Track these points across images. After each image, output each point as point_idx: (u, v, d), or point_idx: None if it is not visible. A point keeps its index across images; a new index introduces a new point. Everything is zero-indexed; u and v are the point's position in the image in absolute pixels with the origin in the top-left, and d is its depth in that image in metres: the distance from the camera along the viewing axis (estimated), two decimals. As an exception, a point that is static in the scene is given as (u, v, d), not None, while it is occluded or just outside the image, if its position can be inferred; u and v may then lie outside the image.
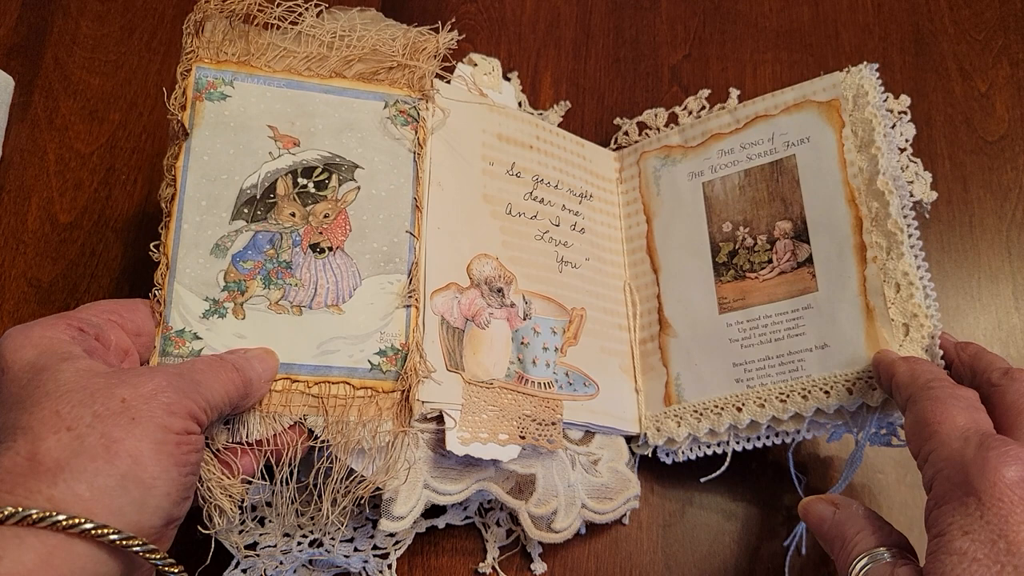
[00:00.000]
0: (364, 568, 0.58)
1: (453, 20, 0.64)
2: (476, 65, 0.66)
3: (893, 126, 0.61)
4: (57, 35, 0.76)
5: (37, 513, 0.37)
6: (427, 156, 0.58)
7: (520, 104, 0.74)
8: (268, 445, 0.50)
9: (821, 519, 0.52)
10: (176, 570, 0.42)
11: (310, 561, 0.57)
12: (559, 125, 0.73)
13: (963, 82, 0.76)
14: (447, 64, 0.61)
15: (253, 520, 0.56)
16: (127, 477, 0.40)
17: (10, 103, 0.72)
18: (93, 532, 0.38)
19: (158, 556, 0.41)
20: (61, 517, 0.38)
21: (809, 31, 0.78)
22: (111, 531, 0.39)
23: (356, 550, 0.57)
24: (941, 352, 0.55)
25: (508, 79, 0.75)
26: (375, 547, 0.58)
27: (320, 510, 0.51)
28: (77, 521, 0.38)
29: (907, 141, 0.62)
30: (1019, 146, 0.73)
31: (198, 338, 0.52)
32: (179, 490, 0.42)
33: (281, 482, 0.51)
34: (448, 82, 0.63)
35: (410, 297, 0.55)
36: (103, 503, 0.39)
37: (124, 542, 0.39)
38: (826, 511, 0.52)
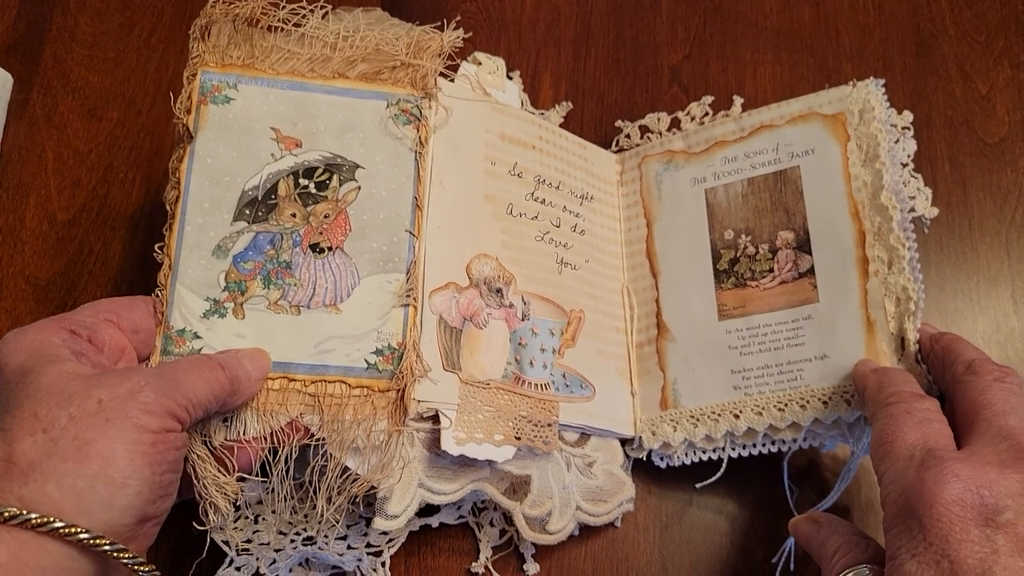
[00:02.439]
0: (358, 566, 0.58)
1: (458, 19, 0.64)
2: (480, 64, 0.66)
3: (896, 141, 0.61)
4: (56, 32, 0.76)
5: (9, 512, 0.39)
6: (429, 155, 0.58)
7: (522, 103, 0.74)
8: (265, 442, 0.51)
9: (807, 538, 0.53)
10: (147, 569, 0.43)
11: (305, 560, 0.57)
12: (559, 125, 0.73)
13: (964, 84, 0.75)
14: (451, 63, 0.61)
15: (248, 518, 0.56)
16: (97, 477, 0.41)
17: (8, 100, 0.72)
18: (62, 531, 0.39)
19: (128, 555, 0.41)
20: (33, 516, 0.39)
21: (810, 32, 0.78)
22: (80, 530, 0.40)
23: (349, 547, 0.57)
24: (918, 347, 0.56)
25: (511, 78, 0.75)
26: (368, 545, 0.58)
27: (315, 507, 0.51)
28: (47, 520, 0.39)
29: (908, 156, 0.62)
30: (1019, 148, 0.73)
31: (198, 337, 0.52)
32: (153, 489, 0.43)
33: (277, 478, 0.51)
34: (452, 81, 0.63)
35: (408, 296, 0.55)
36: (72, 503, 0.40)
37: (93, 541, 0.40)
38: (811, 530, 0.53)
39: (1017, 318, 0.68)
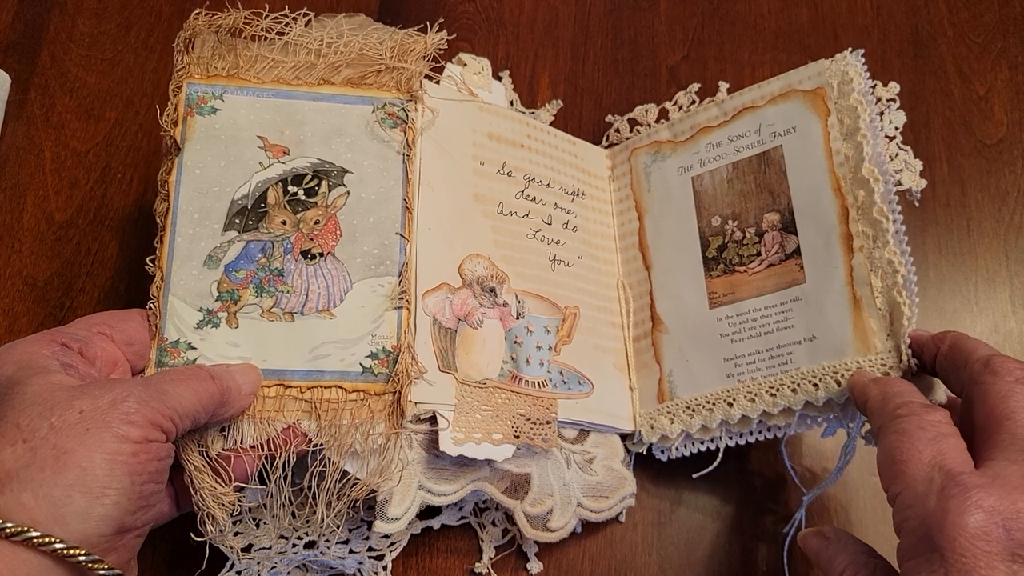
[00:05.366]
0: (359, 569, 0.58)
1: (441, 20, 0.64)
2: (466, 65, 0.66)
3: (881, 114, 0.60)
4: (54, 32, 0.76)
5: None
6: (417, 157, 0.58)
7: (512, 103, 0.74)
8: (262, 450, 0.50)
9: (816, 552, 0.52)
10: None
11: (306, 563, 0.58)
12: (554, 124, 0.73)
13: (962, 85, 0.75)
14: (438, 65, 0.61)
15: (248, 522, 0.56)
16: (74, 487, 0.40)
17: (6, 100, 0.72)
18: (36, 540, 0.39)
19: (104, 567, 0.41)
20: (7, 525, 0.39)
21: (808, 33, 0.78)
22: (55, 540, 0.39)
23: (351, 551, 0.58)
24: (909, 342, 0.53)
25: (500, 79, 0.75)
26: (370, 548, 0.58)
27: (315, 512, 0.51)
28: (22, 529, 0.39)
29: (896, 129, 0.61)
30: (1017, 149, 0.73)
31: (192, 348, 0.52)
32: (132, 499, 0.43)
33: (276, 485, 0.51)
34: (437, 83, 0.63)
35: (401, 299, 0.55)
36: (47, 512, 0.40)
37: (68, 551, 0.40)
38: (820, 544, 0.52)
39: (1015, 319, 0.68)
